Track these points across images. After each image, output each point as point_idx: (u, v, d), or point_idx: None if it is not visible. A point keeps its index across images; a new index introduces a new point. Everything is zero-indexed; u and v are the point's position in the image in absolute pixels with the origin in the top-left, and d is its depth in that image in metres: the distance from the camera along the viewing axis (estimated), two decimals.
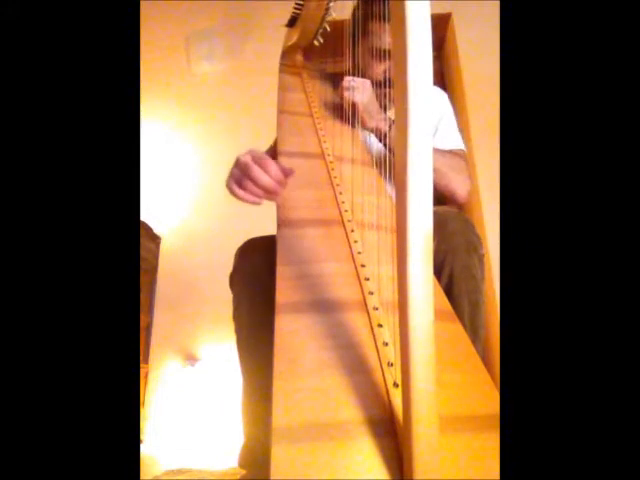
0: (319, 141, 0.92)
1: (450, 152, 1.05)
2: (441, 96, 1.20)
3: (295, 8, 1.02)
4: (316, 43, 1.07)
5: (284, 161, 0.83)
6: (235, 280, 0.91)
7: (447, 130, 1.13)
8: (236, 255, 0.92)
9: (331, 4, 0.97)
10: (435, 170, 0.93)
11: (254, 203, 0.72)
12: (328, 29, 1.04)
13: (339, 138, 0.92)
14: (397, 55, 0.37)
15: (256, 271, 0.86)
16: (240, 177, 0.72)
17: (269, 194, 0.71)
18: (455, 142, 1.12)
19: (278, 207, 0.74)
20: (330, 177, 0.82)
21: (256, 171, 0.69)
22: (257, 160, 0.70)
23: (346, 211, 0.74)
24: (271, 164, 0.70)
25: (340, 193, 0.78)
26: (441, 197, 1.03)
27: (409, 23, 0.36)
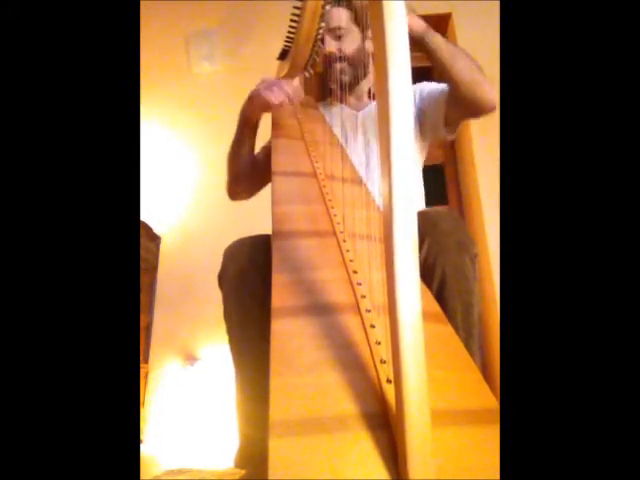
0: (311, 162, 0.99)
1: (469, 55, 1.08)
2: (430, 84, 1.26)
3: (286, 42, 1.11)
4: (307, 75, 1.17)
5: (279, 180, 0.91)
6: (223, 281, 0.92)
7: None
8: (224, 256, 0.94)
9: (319, 37, 1.07)
10: (458, 75, 1.01)
11: (278, 103, 1.05)
12: (317, 60, 1.14)
13: (329, 159, 1.00)
14: (378, 58, 0.40)
15: (244, 271, 0.88)
16: (268, 86, 1.07)
17: (289, 99, 1.06)
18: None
19: (274, 220, 0.78)
20: (322, 193, 0.88)
21: (281, 82, 1.08)
22: (277, 80, 1.09)
23: (338, 223, 0.78)
24: (288, 82, 1.08)
25: (332, 207, 0.83)
26: (471, 109, 1.07)
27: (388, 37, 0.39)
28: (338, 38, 1.20)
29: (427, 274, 0.80)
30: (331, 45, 1.19)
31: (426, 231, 0.80)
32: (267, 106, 1.09)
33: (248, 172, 1.20)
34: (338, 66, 1.19)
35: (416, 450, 0.38)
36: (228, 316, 0.91)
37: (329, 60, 1.19)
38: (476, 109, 1.07)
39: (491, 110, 1.07)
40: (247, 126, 1.15)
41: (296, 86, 1.09)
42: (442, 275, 0.80)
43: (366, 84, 1.26)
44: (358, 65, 1.18)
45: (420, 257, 0.80)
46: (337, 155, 1.01)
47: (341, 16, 1.19)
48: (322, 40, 1.11)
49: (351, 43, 1.18)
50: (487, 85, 1.05)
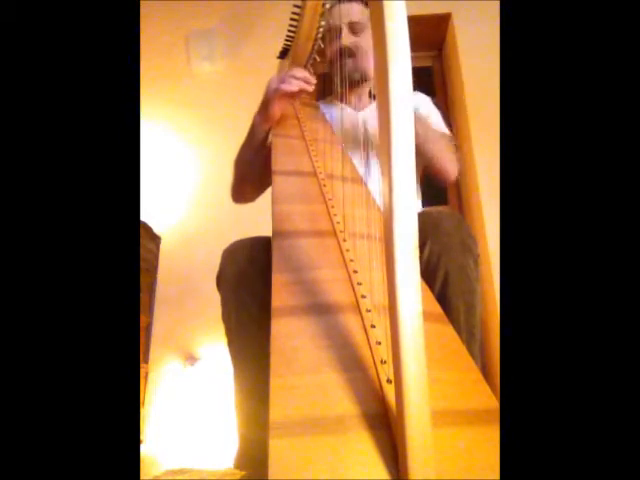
0: (311, 160, 0.99)
1: (442, 135, 1.14)
2: (425, 99, 1.29)
3: (286, 40, 1.11)
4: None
5: (279, 179, 0.90)
6: (222, 281, 0.92)
7: (436, 122, 1.21)
8: (222, 257, 0.93)
9: (319, 35, 1.07)
10: (427, 152, 1.06)
11: (296, 91, 1.02)
12: (318, 59, 1.13)
13: (329, 158, 1.00)
14: (379, 65, 0.40)
15: (242, 271, 0.88)
16: (281, 79, 1.02)
17: (306, 83, 1.02)
18: (444, 129, 1.22)
19: (274, 219, 0.77)
20: (322, 192, 0.87)
21: (293, 70, 1.03)
22: (285, 73, 1.04)
23: (338, 223, 0.78)
24: (297, 70, 1.04)
25: (332, 207, 0.82)
26: (430, 175, 1.14)
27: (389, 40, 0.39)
28: (356, 33, 1.18)
29: (430, 274, 0.80)
30: (348, 39, 1.16)
31: (429, 231, 0.80)
32: (288, 98, 1.06)
33: (256, 177, 1.18)
34: (349, 62, 1.16)
35: (416, 450, 0.38)
36: (227, 317, 0.91)
37: (341, 54, 1.15)
38: (435, 176, 1.12)
39: (448, 180, 1.12)
40: (260, 134, 1.10)
41: (306, 71, 1.06)
42: (445, 275, 0.80)
43: (368, 84, 1.25)
44: (368, 65, 1.16)
45: (423, 257, 0.80)
46: (337, 154, 1.01)
47: (363, 12, 1.17)
48: (323, 38, 1.09)
49: (367, 41, 1.16)
50: (449, 156, 1.09)
